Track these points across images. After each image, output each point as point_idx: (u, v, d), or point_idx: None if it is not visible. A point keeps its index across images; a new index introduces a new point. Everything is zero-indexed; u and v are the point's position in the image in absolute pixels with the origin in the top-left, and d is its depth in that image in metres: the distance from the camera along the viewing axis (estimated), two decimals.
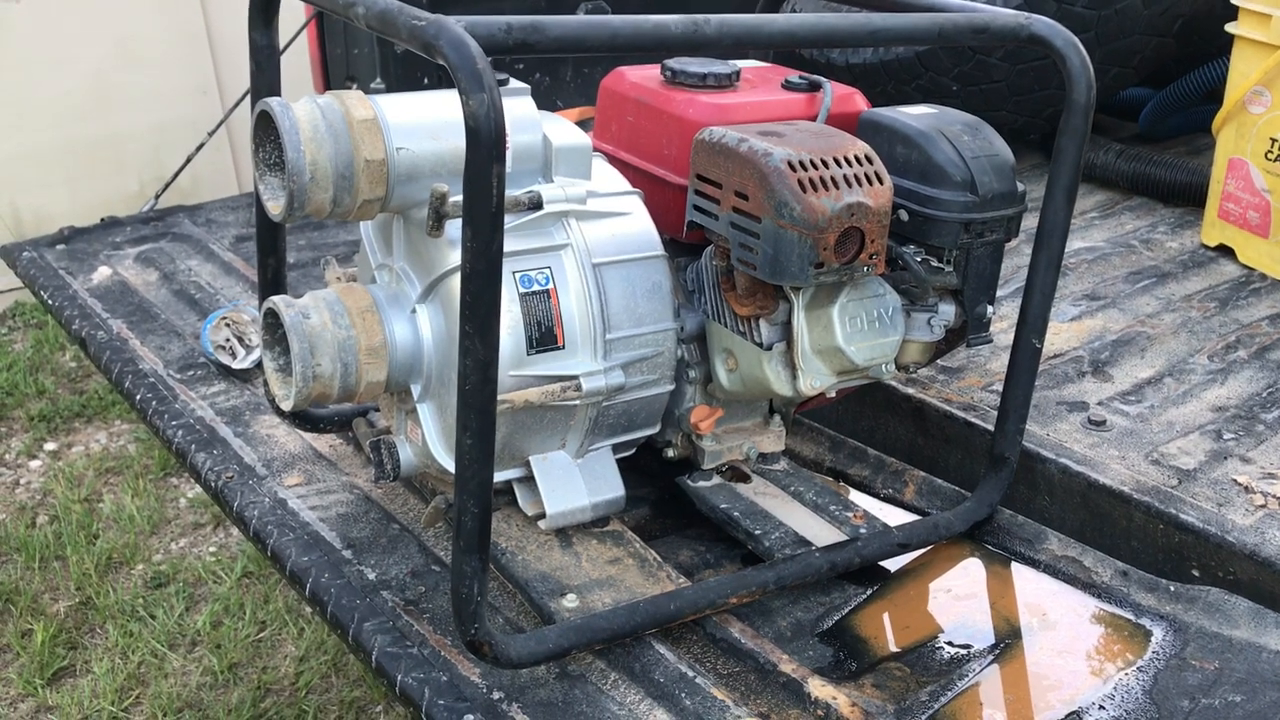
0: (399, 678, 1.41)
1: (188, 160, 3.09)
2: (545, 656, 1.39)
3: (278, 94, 1.56)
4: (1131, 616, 1.57)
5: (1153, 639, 1.52)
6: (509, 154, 1.53)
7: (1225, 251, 2.48)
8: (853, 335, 1.55)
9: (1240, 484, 1.69)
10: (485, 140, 1.14)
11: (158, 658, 2.84)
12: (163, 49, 4.79)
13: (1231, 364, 2.03)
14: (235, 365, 2.13)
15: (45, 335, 4.41)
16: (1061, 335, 2.13)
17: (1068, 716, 1.40)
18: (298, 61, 3.11)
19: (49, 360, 4.27)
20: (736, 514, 1.71)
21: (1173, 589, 1.59)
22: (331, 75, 3.24)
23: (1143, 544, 1.66)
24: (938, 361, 1.94)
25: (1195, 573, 1.61)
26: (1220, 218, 2.46)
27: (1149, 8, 2.61)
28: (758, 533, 1.67)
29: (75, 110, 4.66)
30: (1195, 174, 2.70)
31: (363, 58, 3.11)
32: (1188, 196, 2.72)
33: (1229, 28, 2.37)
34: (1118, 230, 2.64)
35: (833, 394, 1.64)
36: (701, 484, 1.77)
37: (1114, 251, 2.51)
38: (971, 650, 1.52)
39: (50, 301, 2.44)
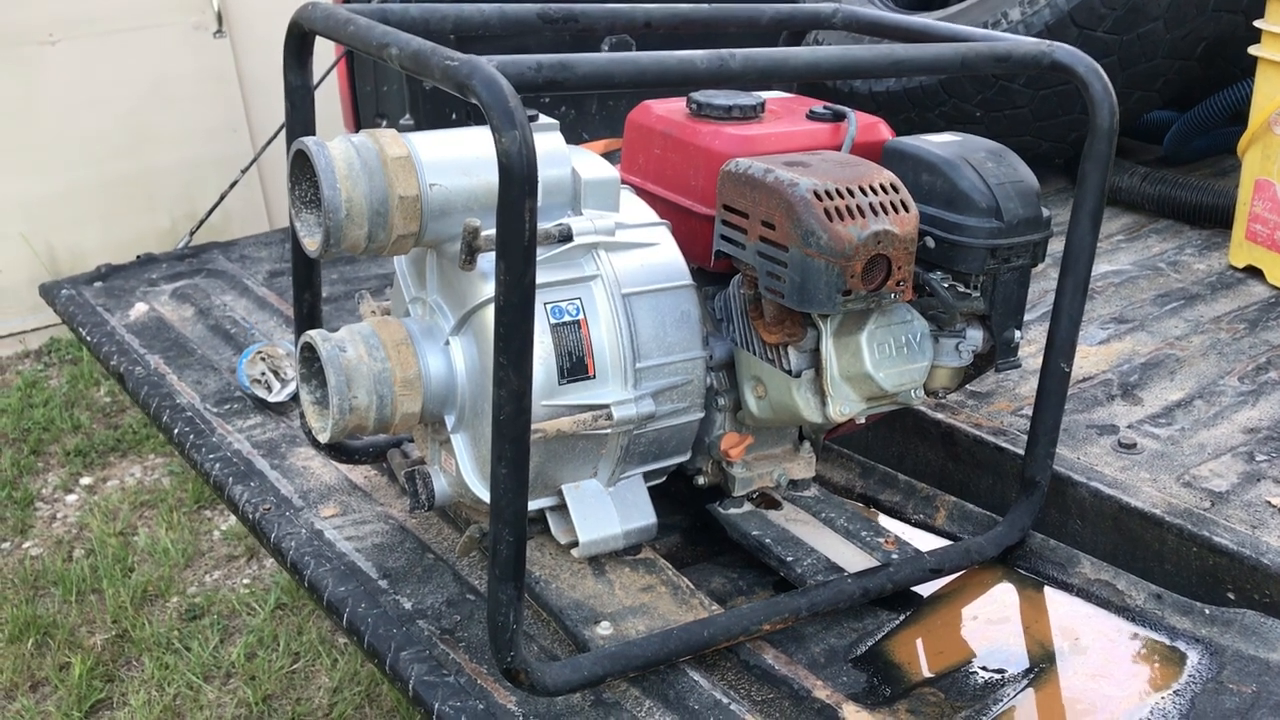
0: (436, 706, 1.42)
1: (221, 198, 3.14)
2: (581, 684, 1.40)
3: (313, 133, 1.60)
4: (1166, 640, 1.57)
5: (1188, 662, 1.51)
6: (539, 188, 1.56)
7: (1254, 273, 2.48)
8: (881, 361, 1.56)
9: (1274, 505, 1.69)
10: (518, 176, 1.17)
11: (193, 690, 2.86)
12: (194, 88, 4.88)
13: (1262, 385, 2.03)
14: (271, 399, 2.16)
15: (80, 371, 4.47)
16: (1090, 358, 2.13)
17: None
18: (328, 99, 3.16)
19: (84, 395, 4.33)
20: (768, 541, 1.72)
21: (1208, 612, 1.58)
22: (361, 112, 3.29)
23: (1176, 567, 1.66)
24: (967, 386, 1.95)
25: (1230, 595, 1.61)
26: (1248, 239, 2.46)
27: (1171, 32, 2.62)
28: (789, 559, 1.68)
29: (108, 149, 4.75)
30: (1221, 196, 2.70)
31: (392, 95, 3.16)
32: (1214, 218, 2.72)
33: (1253, 50, 2.38)
34: (1144, 253, 2.64)
35: (862, 420, 1.65)
36: (732, 511, 1.78)
37: (1141, 274, 2.51)
38: (1005, 675, 1.52)
39: (88, 338, 2.49)
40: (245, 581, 3.29)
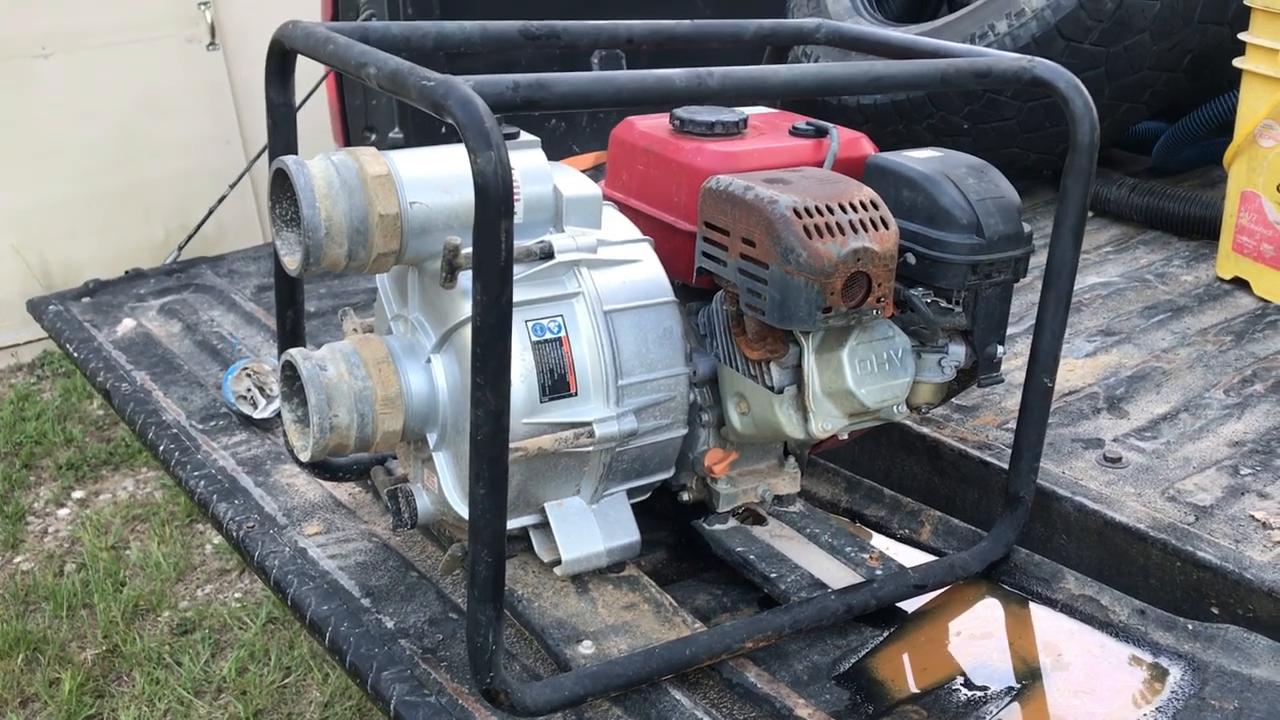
0: None
1: (209, 213, 3.15)
2: (561, 704, 1.40)
3: (294, 151, 1.60)
4: (1149, 656, 1.56)
5: (1171, 678, 1.51)
6: (520, 205, 1.56)
7: (1240, 284, 2.48)
8: (863, 378, 1.56)
9: (1258, 520, 1.69)
10: (493, 196, 1.17)
11: (184, 705, 2.85)
12: (187, 101, 4.88)
13: (1248, 398, 2.03)
14: (256, 415, 2.16)
15: (73, 384, 4.47)
16: (1076, 371, 2.13)
17: None
18: (317, 112, 3.17)
19: (77, 409, 4.33)
20: (752, 557, 1.72)
21: (1191, 627, 1.58)
22: (350, 125, 3.30)
23: (1160, 582, 1.66)
24: (952, 400, 1.95)
25: (1214, 610, 1.60)
26: (1234, 250, 2.46)
27: (1158, 43, 2.62)
28: (774, 576, 1.68)
29: (101, 161, 4.75)
30: (1209, 207, 2.70)
31: (380, 108, 3.16)
32: (1202, 230, 2.72)
33: (1237, 62, 2.38)
34: (1132, 264, 2.64)
35: (845, 436, 1.65)
36: (717, 527, 1.78)
37: (1128, 286, 2.51)
38: (989, 691, 1.52)
39: (76, 354, 2.49)
40: (237, 596, 3.29)
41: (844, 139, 1.71)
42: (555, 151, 1.64)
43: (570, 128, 3.29)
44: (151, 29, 4.78)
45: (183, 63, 4.86)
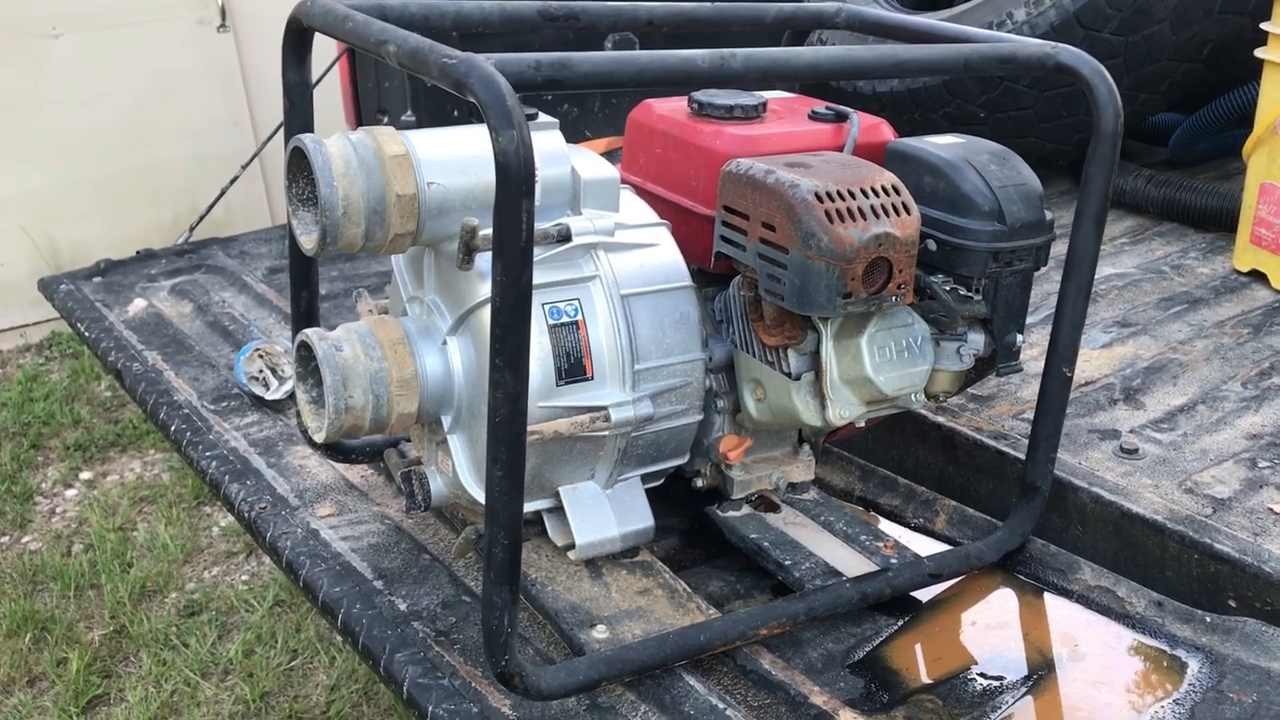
0: (430, 709, 1.41)
1: (221, 194, 3.13)
2: (576, 688, 1.39)
3: (311, 130, 1.59)
4: (1167, 648, 1.55)
5: (1189, 671, 1.50)
6: (538, 188, 1.55)
7: (1258, 277, 2.46)
8: (881, 365, 1.55)
9: (1276, 513, 1.68)
10: (515, 176, 1.16)
11: (190, 686, 2.85)
12: (197, 83, 4.87)
13: (1266, 391, 2.02)
14: (268, 396, 2.15)
15: (81, 365, 4.46)
16: (1093, 362, 2.12)
17: None
18: (329, 95, 3.15)
19: (85, 390, 4.32)
20: (766, 544, 1.71)
21: (1209, 620, 1.57)
22: (363, 109, 3.28)
23: (1177, 574, 1.65)
24: (968, 389, 1.94)
25: (1232, 603, 1.59)
26: (1252, 243, 2.45)
27: (1177, 33, 2.60)
28: (788, 563, 1.67)
29: (111, 143, 4.74)
30: (1226, 199, 2.68)
31: (393, 91, 3.15)
32: (1219, 222, 2.70)
33: (1258, 53, 2.36)
34: (1148, 256, 2.63)
35: (862, 424, 1.64)
36: (731, 514, 1.77)
37: (1145, 277, 2.50)
38: (1004, 682, 1.51)
39: (87, 334, 2.48)
40: (244, 578, 3.29)
41: (864, 124, 1.70)
42: (567, 137, 1.63)
43: (583, 112, 3.28)
44: (162, 10, 4.76)
45: (193, 45, 4.85)
